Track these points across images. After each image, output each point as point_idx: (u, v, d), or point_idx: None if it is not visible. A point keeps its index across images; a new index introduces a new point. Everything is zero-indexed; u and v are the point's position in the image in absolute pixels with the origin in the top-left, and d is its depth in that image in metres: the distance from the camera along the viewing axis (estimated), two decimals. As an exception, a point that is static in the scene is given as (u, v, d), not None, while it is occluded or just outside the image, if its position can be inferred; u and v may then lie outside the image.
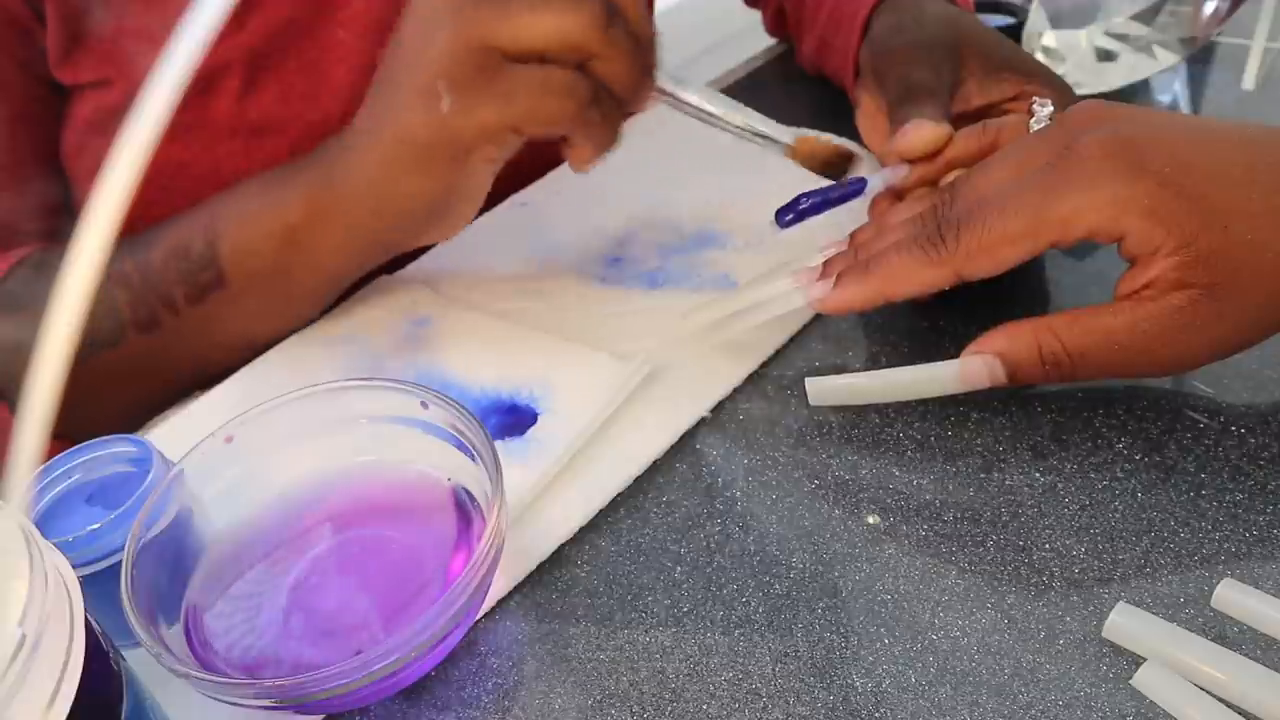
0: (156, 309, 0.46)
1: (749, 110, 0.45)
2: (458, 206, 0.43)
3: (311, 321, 0.49)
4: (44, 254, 0.50)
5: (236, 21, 0.48)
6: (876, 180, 0.45)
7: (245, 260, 0.45)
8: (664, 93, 0.43)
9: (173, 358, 0.47)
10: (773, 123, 0.45)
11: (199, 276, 0.45)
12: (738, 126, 0.44)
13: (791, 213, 0.44)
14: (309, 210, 0.44)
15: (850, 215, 0.48)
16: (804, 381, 0.42)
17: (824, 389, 0.41)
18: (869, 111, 0.51)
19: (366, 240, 0.45)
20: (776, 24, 0.73)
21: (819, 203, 0.45)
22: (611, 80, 0.40)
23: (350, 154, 0.43)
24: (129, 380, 0.47)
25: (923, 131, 0.44)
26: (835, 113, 0.62)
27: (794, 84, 0.68)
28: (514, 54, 0.38)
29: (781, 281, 0.42)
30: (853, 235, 0.44)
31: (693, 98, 0.44)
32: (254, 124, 0.50)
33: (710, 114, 0.44)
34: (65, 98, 0.51)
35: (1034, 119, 0.44)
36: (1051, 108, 0.44)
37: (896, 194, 0.46)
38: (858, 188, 0.45)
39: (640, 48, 0.40)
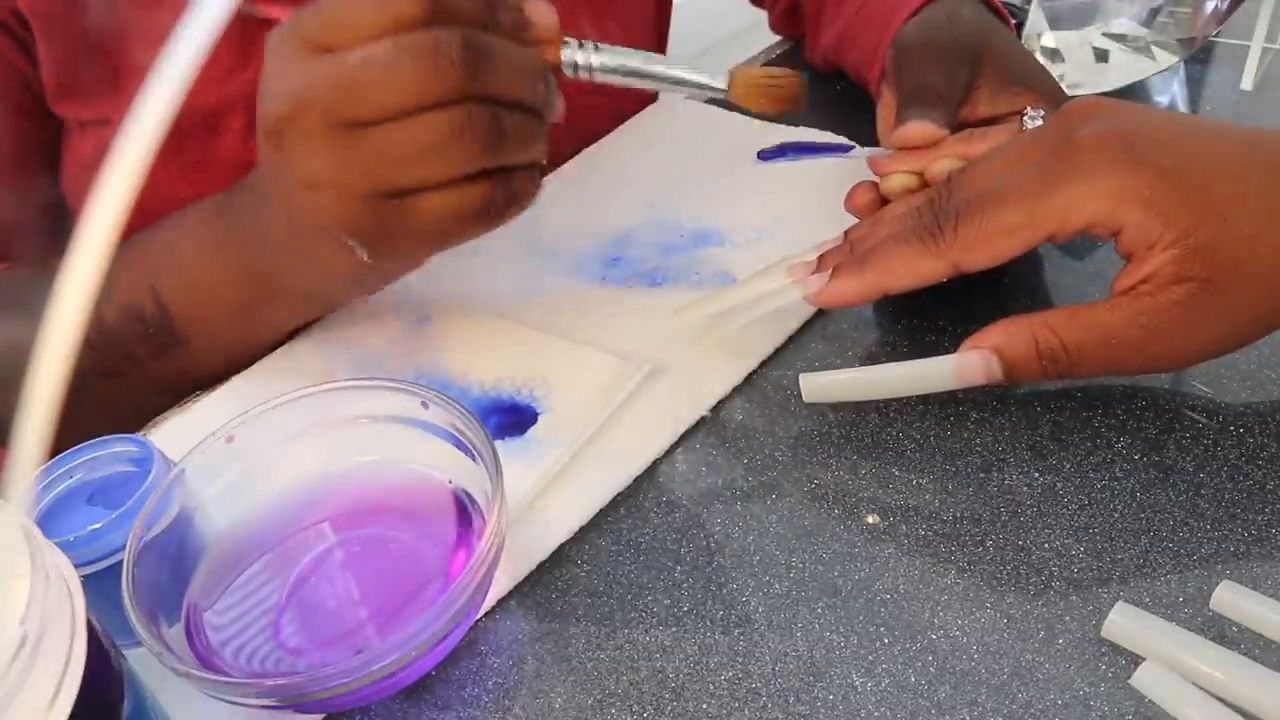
0: (120, 363, 0.45)
1: (669, 60, 0.41)
2: (406, 273, 0.44)
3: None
4: (33, 268, 0.50)
5: (238, 61, 0.48)
6: (861, 149, 0.45)
7: (201, 326, 0.45)
8: (574, 69, 0.40)
9: (140, 396, 0.47)
10: (699, 67, 0.42)
11: (157, 338, 0.45)
12: (667, 80, 0.41)
13: (772, 151, 0.44)
14: (258, 291, 0.44)
15: (850, 217, 0.48)
16: (799, 372, 0.42)
17: (818, 385, 0.41)
18: (888, 103, 0.51)
19: (321, 307, 0.47)
20: (785, 21, 0.73)
21: (802, 147, 0.45)
22: (518, 156, 0.37)
23: (285, 262, 0.42)
24: (95, 419, 0.46)
25: (921, 128, 0.44)
26: (838, 111, 0.62)
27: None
28: (410, 190, 0.36)
29: (777, 276, 0.42)
30: (847, 232, 0.44)
31: (606, 61, 0.40)
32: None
33: (634, 72, 0.40)
34: (62, 130, 0.51)
35: (1026, 118, 0.44)
36: (1045, 113, 0.44)
37: (884, 199, 0.46)
38: (844, 148, 0.45)
39: (526, 88, 0.37)
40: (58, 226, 0.53)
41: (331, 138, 0.35)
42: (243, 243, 0.43)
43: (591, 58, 0.39)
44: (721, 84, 0.41)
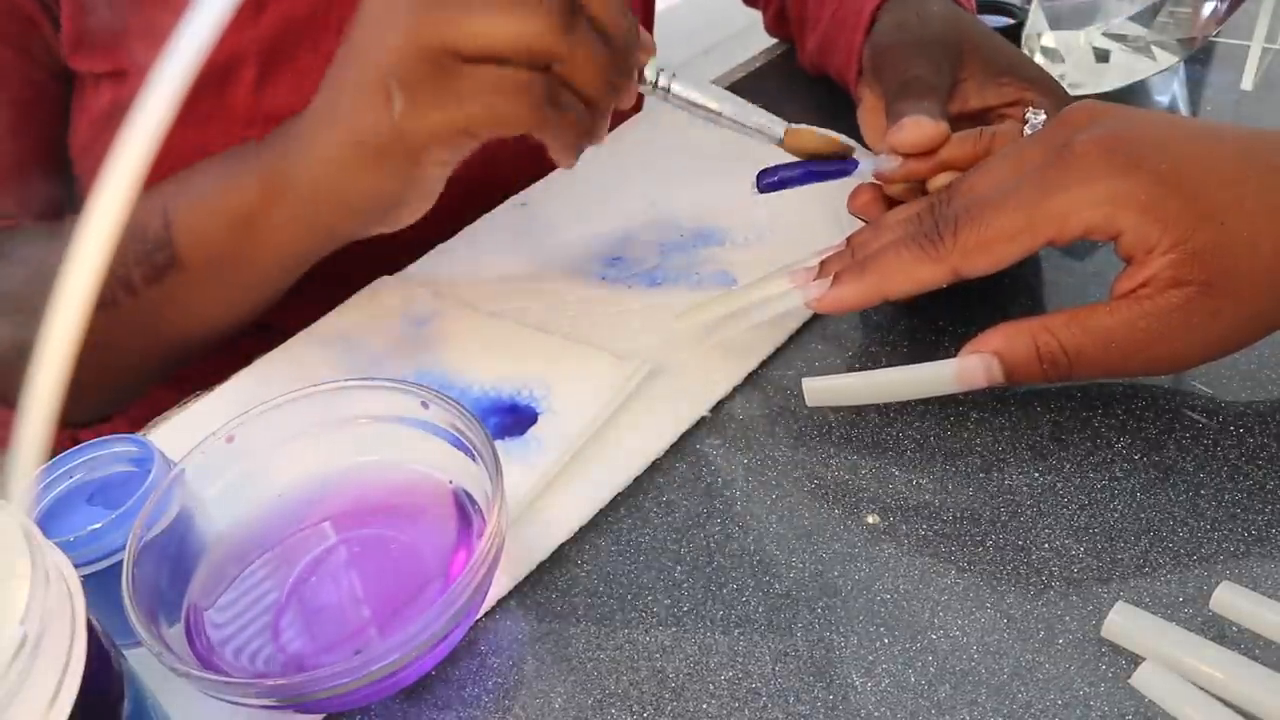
0: (115, 289, 0.45)
1: (742, 102, 0.44)
2: (410, 204, 0.43)
3: (304, 324, 0.49)
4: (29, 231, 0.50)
5: (251, 14, 0.49)
6: (866, 164, 0.45)
7: (200, 243, 0.45)
8: (653, 87, 0.43)
9: (131, 336, 0.47)
10: (766, 114, 0.45)
11: (154, 257, 0.45)
12: (730, 119, 0.44)
13: (773, 177, 0.44)
14: (263, 198, 0.43)
15: (850, 218, 0.48)
16: (799, 373, 0.42)
17: (821, 389, 0.41)
18: (870, 107, 0.52)
19: (320, 230, 0.45)
20: (777, 24, 0.73)
21: (802, 174, 0.45)
22: (577, 81, 0.38)
23: (304, 147, 0.42)
24: (87, 358, 0.47)
25: (920, 128, 0.44)
26: (835, 113, 0.62)
27: (794, 84, 0.68)
28: (469, 56, 0.36)
29: (778, 282, 0.43)
30: (850, 238, 0.44)
31: (683, 91, 0.43)
32: (270, 114, 0.50)
33: (702, 107, 0.44)
34: (74, 91, 0.51)
35: (1027, 125, 0.44)
36: (1045, 116, 0.44)
37: (886, 199, 0.46)
38: (847, 168, 0.45)
39: (611, 45, 0.38)
40: (63, 189, 0.53)
41: None
42: (262, 149, 0.43)
43: (672, 82, 0.43)
44: (779, 131, 0.45)
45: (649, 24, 0.72)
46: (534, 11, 0.36)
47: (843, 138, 0.46)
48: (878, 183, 0.46)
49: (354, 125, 0.39)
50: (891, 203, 0.46)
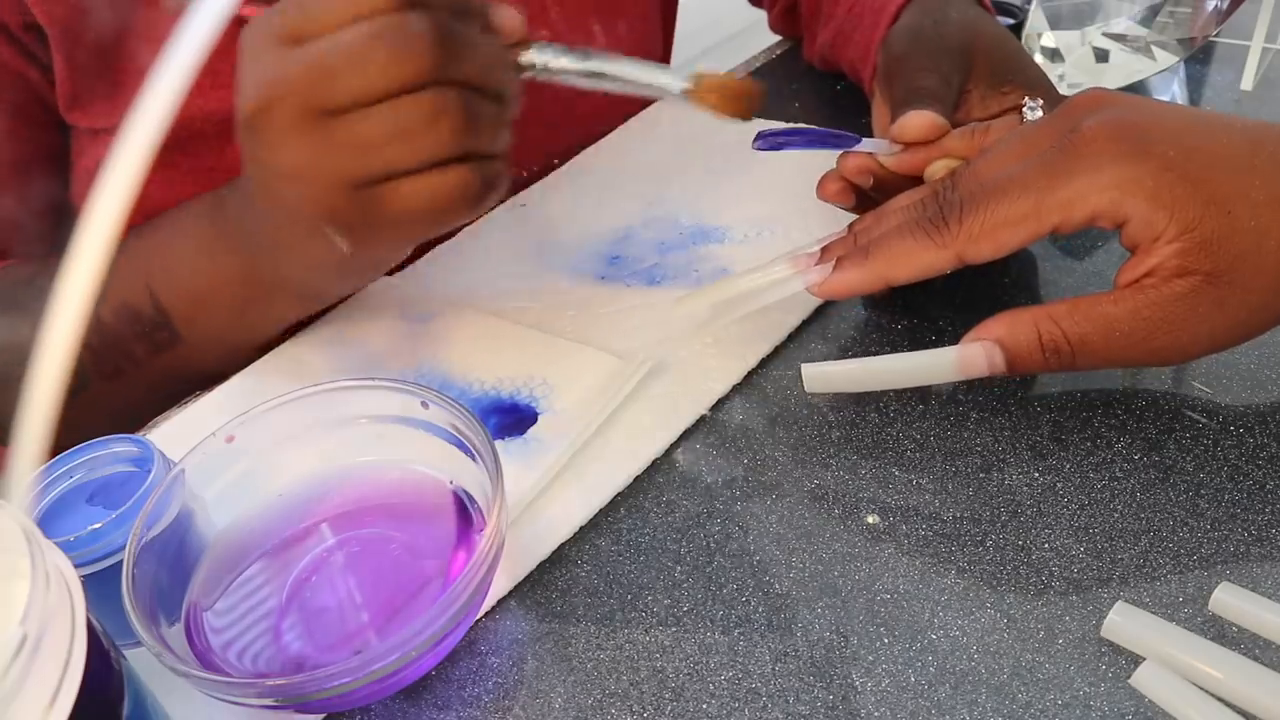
0: (119, 361, 0.46)
1: (632, 61, 0.40)
2: (393, 262, 0.45)
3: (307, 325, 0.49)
4: (33, 265, 0.51)
5: None
6: (868, 143, 0.45)
7: (199, 323, 0.45)
8: (537, 72, 0.39)
9: (139, 395, 0.47)
10: (661, 69, 0.40)
11: (155, 336, 0.45)
12: (625, 81, 0.40)
13: (772, 139, 0.44)
14: (254, 290, 0.44)
15: (849, 215, 0.48)
16: (799, 368, 0.41)
17: (820, 376, 0.41)
18: (882, 107, 0.52)
19: (318, 299, 0.47)
20: (783, 21, 0.73)
21: (801, 140, 0.44)
22: (490, 142, 0.37)
23: (274, 262, 0.42)
24: (96, 419, 0.47)
25: (922, 118, 0.44)
26: (837, 113, 0.62)
27: (796, 83, 0.68)
28: (389, 177, 0.35)
29: (779, 268, 0.42)
30: (851, 225, 0.44)
31: (568, 64, 0.39)
32: None
33: (596, 74, 0.39)
34: (73, 143, 0.52)
35: (1026, 109, 0.44)
36: (1042, 109, 0.44)
37: (855, 188, 0.46)
38: (847, 142, 0.45)
39: (496, 75, 0.37)
40: (64, 233, 0.53)
41: (305, 127, 0.35)
42: (236, 241, 0.43)
43: (553, 60, 0.39)
44: (679, 87, 0.40)
45: (670, 28, 0.72)
46: (419, 108, 0.34)
47: (752, 82, 0.41)
48: (847, 174, 0.46)
49: (312, 260, 0.41)
50: (861, 193, 0.46)
